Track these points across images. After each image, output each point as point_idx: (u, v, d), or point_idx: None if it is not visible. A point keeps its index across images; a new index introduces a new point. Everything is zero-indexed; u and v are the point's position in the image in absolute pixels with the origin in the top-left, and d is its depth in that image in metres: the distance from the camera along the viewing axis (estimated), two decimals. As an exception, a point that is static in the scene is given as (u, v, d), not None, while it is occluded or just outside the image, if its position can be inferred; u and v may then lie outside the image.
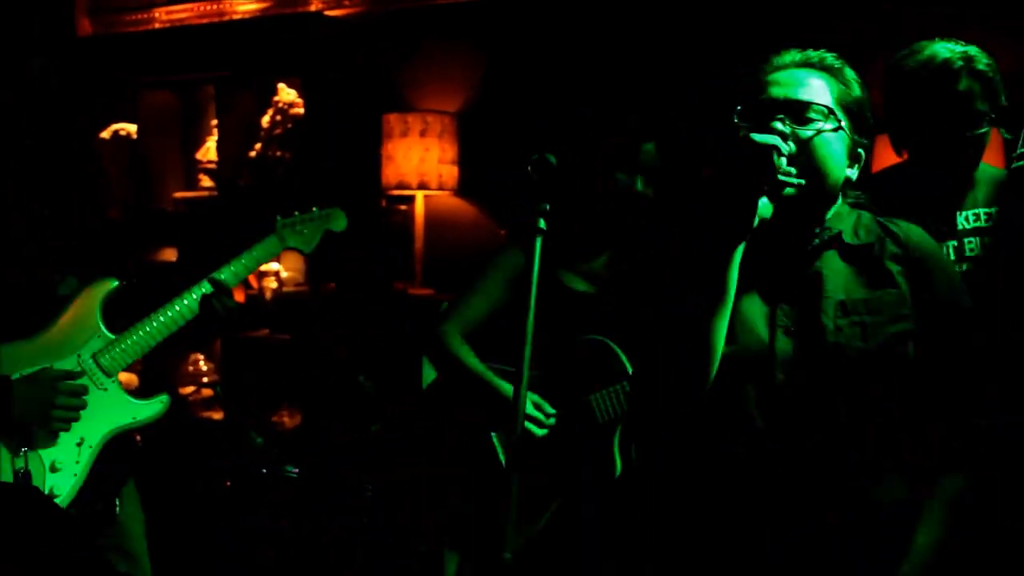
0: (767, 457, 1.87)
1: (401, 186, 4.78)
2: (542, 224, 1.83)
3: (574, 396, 2.92)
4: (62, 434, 2.50)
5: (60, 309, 2.58)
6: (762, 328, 1.91)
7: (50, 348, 2.54)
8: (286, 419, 5.06)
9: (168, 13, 5.46)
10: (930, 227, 2.72)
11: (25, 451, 2.46)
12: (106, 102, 5.85)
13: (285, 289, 5.63)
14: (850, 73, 1.98)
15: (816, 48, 2.01)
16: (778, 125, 1.85)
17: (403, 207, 5.01)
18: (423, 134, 4.74)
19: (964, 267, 2.73)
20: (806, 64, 1.96)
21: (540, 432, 2.87)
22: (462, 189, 4.84)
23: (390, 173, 4.79)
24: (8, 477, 2.41)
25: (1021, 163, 2.69)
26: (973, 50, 2.67)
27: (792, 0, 3.99)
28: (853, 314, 1.89)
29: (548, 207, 1.84)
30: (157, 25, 5.48)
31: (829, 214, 1.96)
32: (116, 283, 2.62)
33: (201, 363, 5.72)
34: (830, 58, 1.98)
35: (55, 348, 2.55)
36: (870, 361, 1.87)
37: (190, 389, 5.64)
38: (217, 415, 5.35)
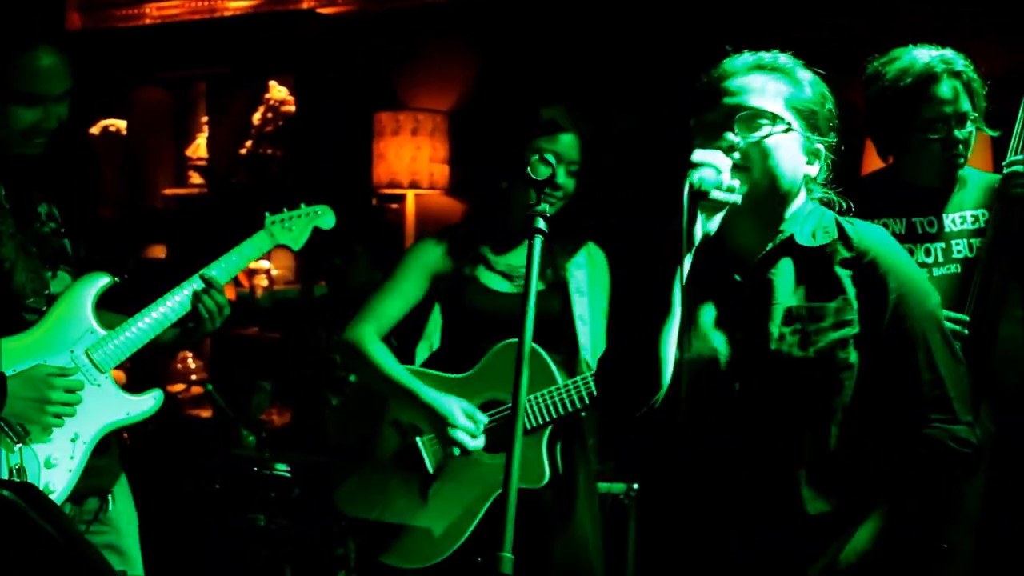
0: (724, 462, 1.88)
1: (392, 184, 4.78)
2: (542, 225, 1.82)
3: (499, 401, 2.84)
4: (56, 430, 2.49)
5: (52, 305, 2.57)
6: (713, 335, 1.92)
7: (43, 344, 2.53)
8: (276, 417, 5.06)
9: (159, 9, 5.45)
10: (917, 229, 2.76)
11: (20, 447, 2.45)
12: (105, 100, 5.84)
13: (276, 287, 5.64)
14: (803, 73, 1.96)
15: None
16: (728, 136, 1.86)
17: (394, 205, 5.01)
18: (414, 133, 4.74)
19: (952, 269, 2.75)
20: (758, 67, 1.94)
21: (475, 446, 2.80)
22: (453, 188, 4.84)
23: (381, 172, 4.78)
24: (3, 473, 2.40)
25: (1013, 168, 2.71)
26: (950, 52, 2.69)
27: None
28: (796, 322, 1.88)
29: (546, 208, 1.84)
30: (148, 21, 5.46)
31: (788, 214, 1.95)
32: (108, 278, 2.61)
33: (190, 361, 5.72)
34: (783, 59, 1.96)
35: (48, 344, 2.54)
36: (809, 369, 1.86)
37: (180, 387, 5.64)
38: (206, 413, 5.34)
